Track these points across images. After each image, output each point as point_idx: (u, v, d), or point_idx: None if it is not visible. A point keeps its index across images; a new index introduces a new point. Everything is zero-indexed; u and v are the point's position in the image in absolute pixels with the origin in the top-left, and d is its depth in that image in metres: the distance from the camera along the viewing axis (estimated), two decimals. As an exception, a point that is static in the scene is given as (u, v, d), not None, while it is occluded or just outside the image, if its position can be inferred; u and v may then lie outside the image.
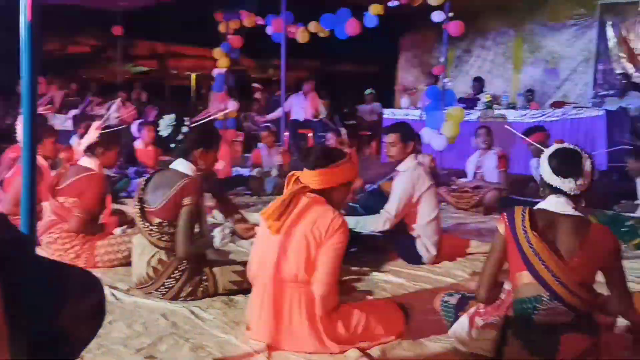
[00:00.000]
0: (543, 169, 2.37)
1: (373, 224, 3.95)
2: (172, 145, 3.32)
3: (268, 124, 8.30)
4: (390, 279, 3.70)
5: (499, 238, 2.38)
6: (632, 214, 4.81)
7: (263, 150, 7.66)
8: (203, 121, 3.50)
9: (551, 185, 2.34)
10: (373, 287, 3.56)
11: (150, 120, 8.97)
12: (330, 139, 7.29)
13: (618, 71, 9.78)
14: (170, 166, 3.30)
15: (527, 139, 3.87)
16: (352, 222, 3.92)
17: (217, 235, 3.23)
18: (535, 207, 2.38)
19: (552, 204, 2.34)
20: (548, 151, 2.39)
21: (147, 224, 3.17)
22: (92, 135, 3.83)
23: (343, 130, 7.63)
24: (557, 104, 8.77)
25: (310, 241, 2.49)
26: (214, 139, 3.42)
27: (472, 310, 2.46)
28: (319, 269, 2.49)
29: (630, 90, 7.94)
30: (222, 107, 7.94)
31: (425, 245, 4.00)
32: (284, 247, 2.53)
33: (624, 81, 7.98)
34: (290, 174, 2.69)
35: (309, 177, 2.60)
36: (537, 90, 11.09)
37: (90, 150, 3.85)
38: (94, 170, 3.82)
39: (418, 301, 3.11)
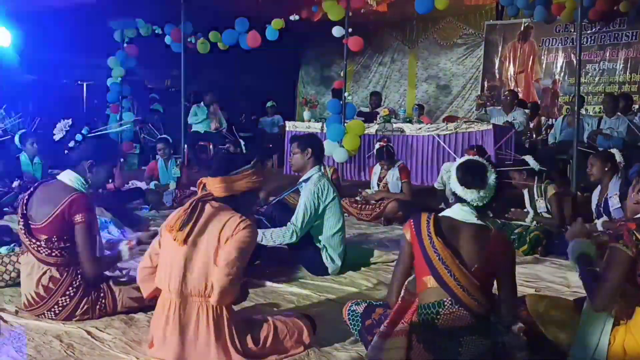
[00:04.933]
0: (451, 178, 2.46)
1: (280, 237, 3.91)
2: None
3: (165, 136, 7.99)
4: (297, 291, 3.69)
5: (406, 243, 2.45)
6: (520, 222, 5.09)
7: (160, 163, 7.37)
8: (100, 133, 3.30)
9: (456, 194, 2.44)
10: (279, 299, 3.53)
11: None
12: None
13: (505, 88, 10.44)
14: (58, 177, 3.07)
15: None
16: (259, 235, 3.87)
17: (124, 248, 3.06)
18: (440, 214, 2.46)
19: (457, 212, 2.43)
20: (457, 162, 2.50)
21: (34, 241, 2.95)
22: None
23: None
24: (450, 119, 9.22)
25: (218, 250, 2.42)
26: (108, 154, 3.17)
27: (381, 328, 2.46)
28: (220, 261, 2.40)
29: (515, 107, 8.47)
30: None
31: (331, 256, 4.03)
32: (190, 260, 2.44)
33: (509, 97, 8.50)
34: (199, 180, 2.63)
35: (212, 184, 2.56)
36: (431, 106, 11.64)
37: None
38: None
39: (325, 312, 3.11)
